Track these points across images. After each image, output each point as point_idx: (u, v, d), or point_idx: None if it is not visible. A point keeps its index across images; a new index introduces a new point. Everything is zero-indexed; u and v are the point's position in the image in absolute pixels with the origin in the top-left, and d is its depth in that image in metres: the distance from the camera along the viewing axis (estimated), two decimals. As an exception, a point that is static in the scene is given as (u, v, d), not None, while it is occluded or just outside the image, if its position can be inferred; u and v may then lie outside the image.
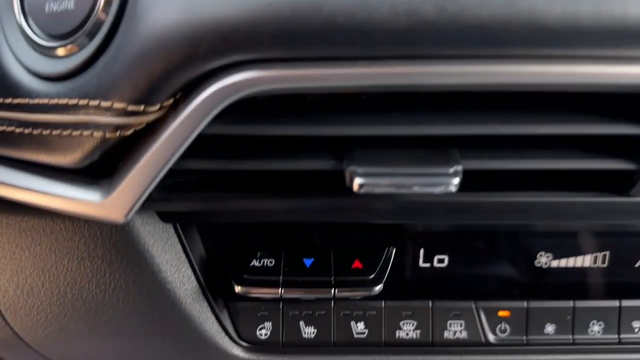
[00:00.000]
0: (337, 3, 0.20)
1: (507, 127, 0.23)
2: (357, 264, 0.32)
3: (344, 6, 0.20)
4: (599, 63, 0.21)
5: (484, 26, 0.19)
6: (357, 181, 0.23)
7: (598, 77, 0.21)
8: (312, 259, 0.32)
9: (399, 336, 0.34)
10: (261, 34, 0.20)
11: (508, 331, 0.34)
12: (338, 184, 0.26)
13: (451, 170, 0.23)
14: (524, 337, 0.34)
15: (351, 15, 0.20)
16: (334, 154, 0.24)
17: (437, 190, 0.23)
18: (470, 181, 0.25)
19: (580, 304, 0.34)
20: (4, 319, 0.33)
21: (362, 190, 0.23)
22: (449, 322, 0.34)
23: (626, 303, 0.34)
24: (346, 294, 0.31)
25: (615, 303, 0.34)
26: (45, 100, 0.24)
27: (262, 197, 0.26)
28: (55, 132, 0.24)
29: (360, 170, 0.23)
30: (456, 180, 0.23)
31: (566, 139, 0.25)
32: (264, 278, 0.31)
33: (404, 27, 0.20)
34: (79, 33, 0.23)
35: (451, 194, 0.25)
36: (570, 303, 0.34)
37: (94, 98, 0.23)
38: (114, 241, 0.28)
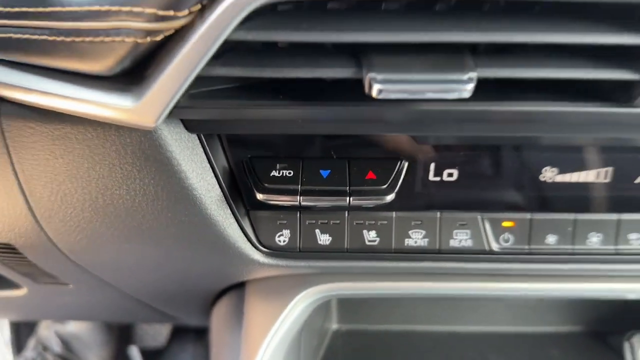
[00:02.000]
0: None
1: (519, 35, 0.24)
2: (370, 175, 0.34)
3: None
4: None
5: None
6: (376, 87, 0.24)
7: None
8: (329, 171, 0.34)
9: (407, 244, 0.36)
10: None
11: (511, 241, 0.36)
12: (355, 94, 0.27)
13: (465, 77, 0.24)
14: (527, 247, 0.37)
15: None
16: (353, 62, 0.25)
17: (452, 95, 0.24)
18: (482, 91, 0.27)
19: (581, 216, 0.36)
20: (39, 225, 0.36)
21: (380, 96, 0.24)
22: (455, 231, 0.36)
23: (625, 217, 0.36)
24: (360, 202, 0.33)
25: (614, 216, 0.36)
26: (78, 8, 0.25)
27: (282, 105, 0.28)
28: (87, 39, 0.25)
29: (379, 77, 0.24)
30: (470, 87, 0.24)
31: (576, 51, 0.26)
32: (284, 187, 0.33)
33: None
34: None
35: (464, 102, 0.26)
36: (572, 216, 0.36)
37: (125, 4, 0.23)
38: (143, 148, 0.29)
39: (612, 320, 0.56)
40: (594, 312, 0.56)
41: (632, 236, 0.37)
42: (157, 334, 1.20)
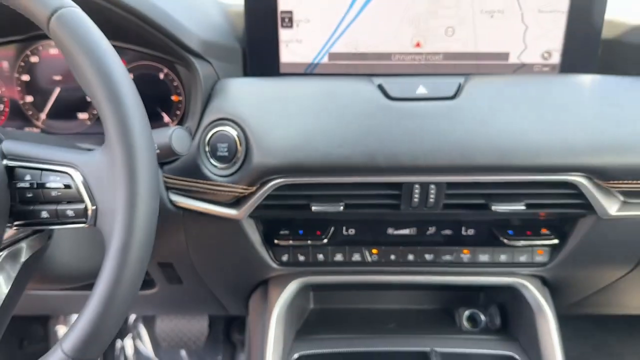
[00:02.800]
0: (313, 158, 0.72)
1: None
2: (318, 232, 0.85)
3: (318, 160, 0.72)
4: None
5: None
6: (314, 208, 0.76)
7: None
8: (302, 231, 0.85)
9: (335, 259, 0.85)
10: (290, 170, 0.72)
11: (376, 258, 0.87)
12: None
13: (341, 204, 0.76)
14: (383, 260, 0.85)
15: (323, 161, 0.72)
16: (307, 199, 0.77)
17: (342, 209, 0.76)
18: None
19: (404, 247, 0.86)
20: (190, 255, 0.86)
21: (315, 210, 0.76)
22: (353, 253, 0.82)
23: (423, 248, 0.87)
24: (314, 242, 0.82)
25: (419, 248, 0.86)
26: (218, 184, 0.76)
27: (285, 210, 0.80)
28: (219, 192, 0.77)
29: (314, 204, 0.76)
30: (341, 208, 0.76)
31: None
32: (284, 237, 0.84)
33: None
34: (230, 163, 0.76)
35: (345, 211, 0.78)
36: (400, 247, 0.87)
37: (237, 185, 0.75)
38: (235, 225, 0.81)
39: (457, 300, 1.05)
40: (448, 296, 1.05)
41: (427, 256, 0.87)
42: (197, 339, 1.64)
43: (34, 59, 0.90)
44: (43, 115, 0.93)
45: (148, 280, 0.97)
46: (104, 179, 0.57)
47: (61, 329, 1.58)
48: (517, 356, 0.84)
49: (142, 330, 1.63)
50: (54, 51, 0.90)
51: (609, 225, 0.75)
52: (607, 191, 0.71)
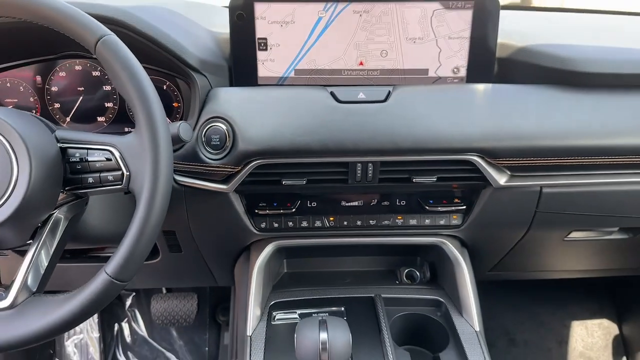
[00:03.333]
0: (282, 144, 0.99)
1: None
2: (288, 205, 1.08)
3: (286, 145, 0.99)
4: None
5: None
6: (284, 182, 1.01)
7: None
8: (276, 203, 1.07)
9: (301, 225, 1.08)
10: (265, 153, 0.99)
11: (333, 224, 1.10)
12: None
13: (304, 179, 1.02)
14: (338, 225, 1.07)
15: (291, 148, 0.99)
16: (279, 176, 1.03)
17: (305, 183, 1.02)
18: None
19: (354, 215, 1.11)
20: (189, 225, 1.11)
21: (285, 184, 1.02)
22: (315, 220, 1.01)
23: (369, 216, 1.14)
24: (285, 211, 1.03)
25: (365, 216, 1.13)
26: (212, 165, 1.02)
27: (262, 185, 1.06)
28: (212, 172, 1.02)
29: (284, 180, 1.02)
30: (304, 182, 1.02)
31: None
32: (262, 208, 1.10)
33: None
34: (221, 150, 1.02)
35: (311, 184, 1.05)
36: (351, 216, 1.12)
37: (226, 165, 1.01)
38: (224, 198, 1.06)
39: (398, 263, 1.30)
40: (392, 260, 1.30)
41: (371, 221, 1.12)
42: (187, 317, 1.83)
43: (62, 74, 1.15)
44: (68, 119, 1.18)
45: (153, 249, 1.22)
46: (135, 153, 0.82)
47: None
48: (441, 299, 1.09)
49: (138, 314, 1.85)
50: (78, 67, 1.16)
51: (503, 193, 1.02)
52: (497, 167, 0.98)
